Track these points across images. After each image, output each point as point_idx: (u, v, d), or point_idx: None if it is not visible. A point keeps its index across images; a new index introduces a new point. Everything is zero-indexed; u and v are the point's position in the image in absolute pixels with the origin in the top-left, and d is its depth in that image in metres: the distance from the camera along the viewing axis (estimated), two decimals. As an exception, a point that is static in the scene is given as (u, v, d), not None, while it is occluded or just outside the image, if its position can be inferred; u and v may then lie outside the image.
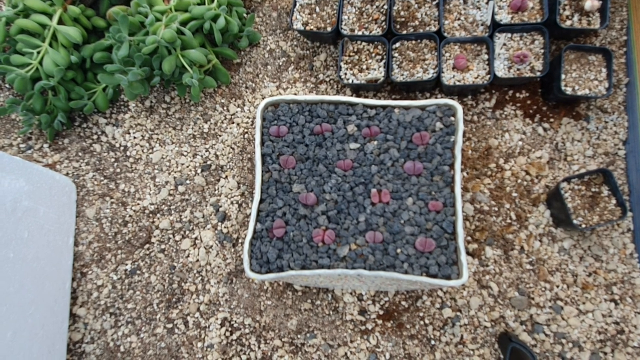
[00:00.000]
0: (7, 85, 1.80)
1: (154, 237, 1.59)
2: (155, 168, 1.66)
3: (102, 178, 1.67)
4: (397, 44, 1.54)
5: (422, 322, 1.42)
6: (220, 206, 1.59)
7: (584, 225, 1.34)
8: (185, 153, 1.67)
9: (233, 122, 1.68)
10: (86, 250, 1.60)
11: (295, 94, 1.67)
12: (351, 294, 1.46)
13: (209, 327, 1.49)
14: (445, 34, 1.51)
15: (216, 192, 1.61)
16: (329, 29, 1.58)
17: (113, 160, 1.69)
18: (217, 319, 1.50)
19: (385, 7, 1.58)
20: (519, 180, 1.49)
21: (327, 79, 1.67)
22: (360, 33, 1.56)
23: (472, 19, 1.53)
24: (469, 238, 1.46)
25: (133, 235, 1.60)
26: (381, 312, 1.44)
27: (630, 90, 1.50)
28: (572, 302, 1.39)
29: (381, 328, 1.43)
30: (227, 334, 1.48)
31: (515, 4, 1.48)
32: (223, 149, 1.65)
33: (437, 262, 1.15)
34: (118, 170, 1.68)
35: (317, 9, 1.63)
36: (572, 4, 1.48)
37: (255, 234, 1.23)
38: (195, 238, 1.58)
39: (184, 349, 1.49)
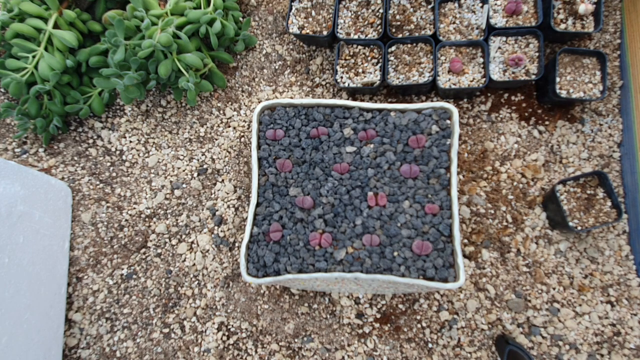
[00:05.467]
0: (2, 90, 1.79)
1: (150, 241, 1.59)
2: (152, 172, 1.66)
3: (97, 182, 1.67)
4: (393, 48, 1.54)
5: (419, 325, 1.42)
6: (217, 210, 1.58)
7: (579, 228, 1.35)
8: (181, 157, 1.66)
9: (229, 126, 1.68)
10: (82, 255, 1.59)
11: (291, 98, 1.67)
12: (348, 297, 1.46)
13: (205, 331, 1.49)
14: (441, 38, 1.52)
15: (212, 196, 1.61)
16: (325, 32, 1.59)
17: (109, 164, 1.69)
18: (213, 323, 1.49)
19: (381, 10, 1.58)
20: (515, 183, 1.50)
21: (324, 83, 1.67)
22: (356, 37, 1.57)
23: (467, 23, 1.53)
24: (465, 241, 1.47)
25: (129, 240, 1.59)
26: (378, 316, 1.44)
27: (625, 93, 1.51)
28: (569, 304, 1.39)
29: (378, 331, 1.43)
30: (224, 338, 1.48)
31: (510, 7, 1.49)
32: (219, 153, 1.64)
33: (434, 265, 1.15)
34: (114, 174, 1.67)
35: (313, 13, 1.63)
36: (566, 8, 1.49)
37: (252, 237, 1.23)
38: (192, 242, 1.57)
39: (181, 354, 1.48)
